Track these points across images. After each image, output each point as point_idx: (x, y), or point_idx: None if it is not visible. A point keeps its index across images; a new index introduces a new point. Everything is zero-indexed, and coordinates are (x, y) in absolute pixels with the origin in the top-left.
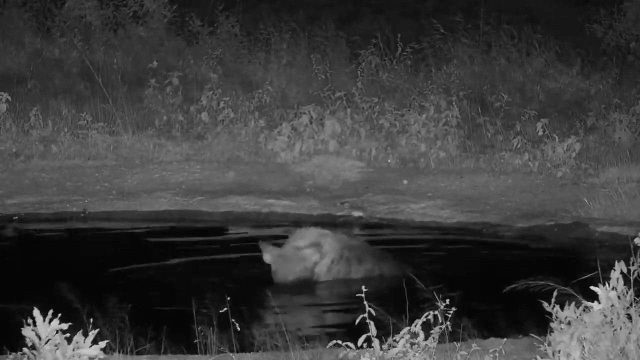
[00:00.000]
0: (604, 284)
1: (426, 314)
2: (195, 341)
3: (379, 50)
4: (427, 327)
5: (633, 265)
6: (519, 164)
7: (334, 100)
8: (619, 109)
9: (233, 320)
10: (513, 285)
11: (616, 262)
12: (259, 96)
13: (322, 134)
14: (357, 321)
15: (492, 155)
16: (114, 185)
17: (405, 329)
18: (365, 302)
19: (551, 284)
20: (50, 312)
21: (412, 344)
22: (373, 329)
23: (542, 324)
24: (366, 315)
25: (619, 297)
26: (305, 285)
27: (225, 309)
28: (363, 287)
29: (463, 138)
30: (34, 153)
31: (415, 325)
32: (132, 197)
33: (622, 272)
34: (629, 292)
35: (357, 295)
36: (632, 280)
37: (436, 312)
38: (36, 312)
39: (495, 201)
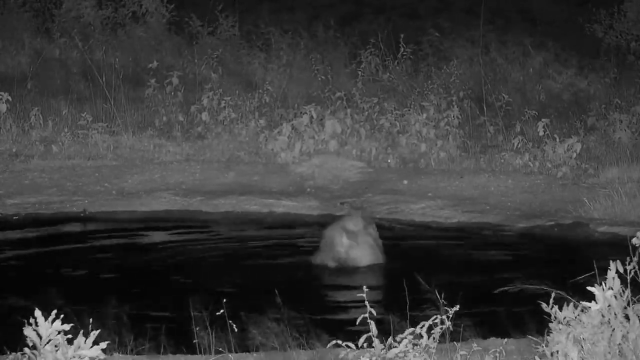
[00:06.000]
0: (601, 284)
1: (434, 317)
2: (194, 341)
3: (379, 51)
4: (428, 327)
5: (629, 264)
6: (519, 164)
7: (334, 100)
8: (619, 109)
9: (230, 322)
10: (505, 288)
11: (611, 262)
12: (259, 96)
13: (322, 134)
14: (358, 321)
15: (492, 156)
16: (114, 186)
17: (409, 330)
18: (366, 302)
19: (545, 287)
20: (54, 312)
21: (414, 345)
22: (374, 329)
23: (542, 325)
24: (367, 315)
25: (615, 297)
26: (305, 285)
27: (222, 311)
28: (364, 287)
29: (463, 138)
30: (34, 153)
31: (422, 327)
32: (132, 197)
33: (619, 272)
34: (626, 292)
35: (358, 295)
36: (628, 280)
37: (444, 317)
38: (37, 313)
39: (496, 201)
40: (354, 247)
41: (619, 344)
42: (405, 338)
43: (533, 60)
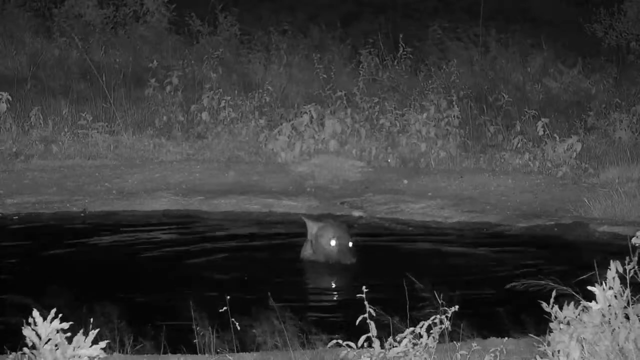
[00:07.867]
0: (601, 284)
1: (433, 317)
2: (194, 341)
3: (379, 50)
4: (427, 326)
5: (628, 264)
6: (519, 164)
7: (334, 99)
8: (619, 109)
9: (233, 319)
10: (513, 284)
11: (611, 262)
12: (259, 96)
13: (322, 134)
14: (358, 321)
15: (492, 155)
16: (114, 185)
17: (409, 330)
18: (365, 302)
19: (551, 283)
20: (53, 311)
21: (414, 345)
22: (374, 329)
23: (542, 324)
24: (367, 315)
25: (615, 297)
26: (305, 285)
27: (225, 308)
28: (364, 287)
29: (463, 138)
30: (34, 153)
31: (421, 327)
32: (132, 196)
33: (619, 272)
34: (626, 292)
35: (357, 295)
36: (628, 280)
37: (443, 317)
38: (36, 313)
39: (496, 201)
40: (316, 252)
41: (622, 345)
42: (406, 337)
43: (533, 60)
